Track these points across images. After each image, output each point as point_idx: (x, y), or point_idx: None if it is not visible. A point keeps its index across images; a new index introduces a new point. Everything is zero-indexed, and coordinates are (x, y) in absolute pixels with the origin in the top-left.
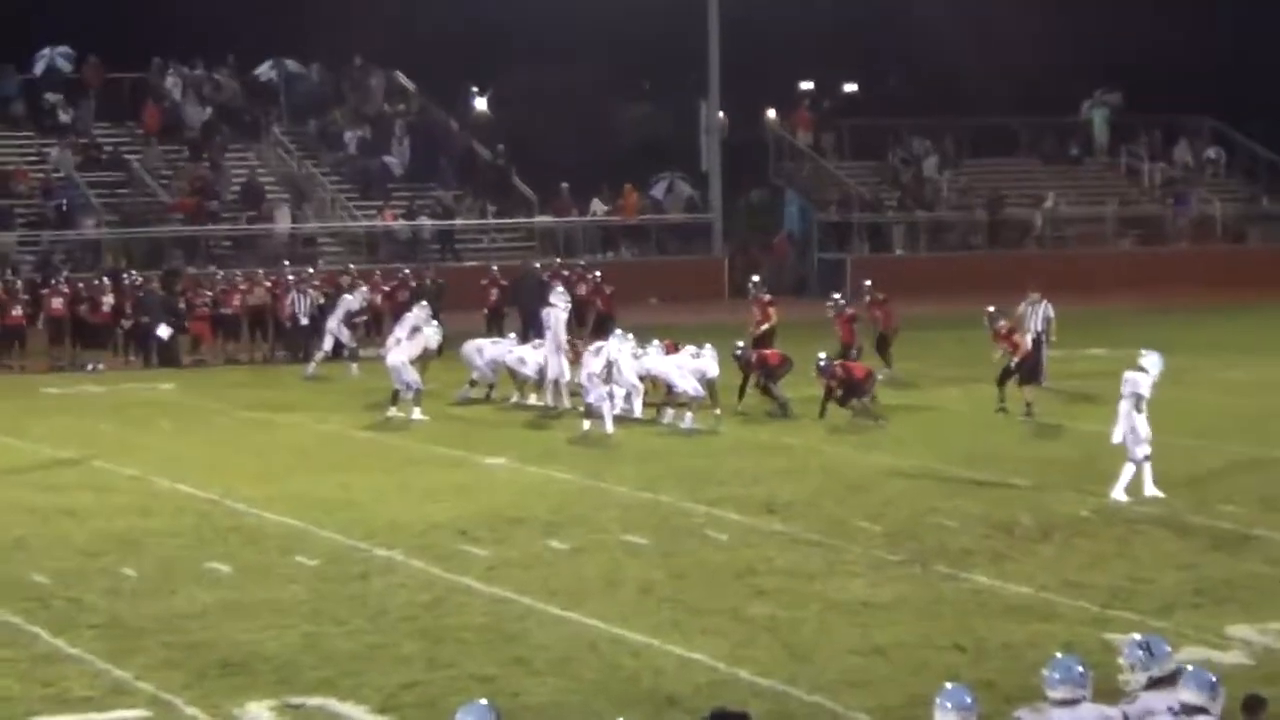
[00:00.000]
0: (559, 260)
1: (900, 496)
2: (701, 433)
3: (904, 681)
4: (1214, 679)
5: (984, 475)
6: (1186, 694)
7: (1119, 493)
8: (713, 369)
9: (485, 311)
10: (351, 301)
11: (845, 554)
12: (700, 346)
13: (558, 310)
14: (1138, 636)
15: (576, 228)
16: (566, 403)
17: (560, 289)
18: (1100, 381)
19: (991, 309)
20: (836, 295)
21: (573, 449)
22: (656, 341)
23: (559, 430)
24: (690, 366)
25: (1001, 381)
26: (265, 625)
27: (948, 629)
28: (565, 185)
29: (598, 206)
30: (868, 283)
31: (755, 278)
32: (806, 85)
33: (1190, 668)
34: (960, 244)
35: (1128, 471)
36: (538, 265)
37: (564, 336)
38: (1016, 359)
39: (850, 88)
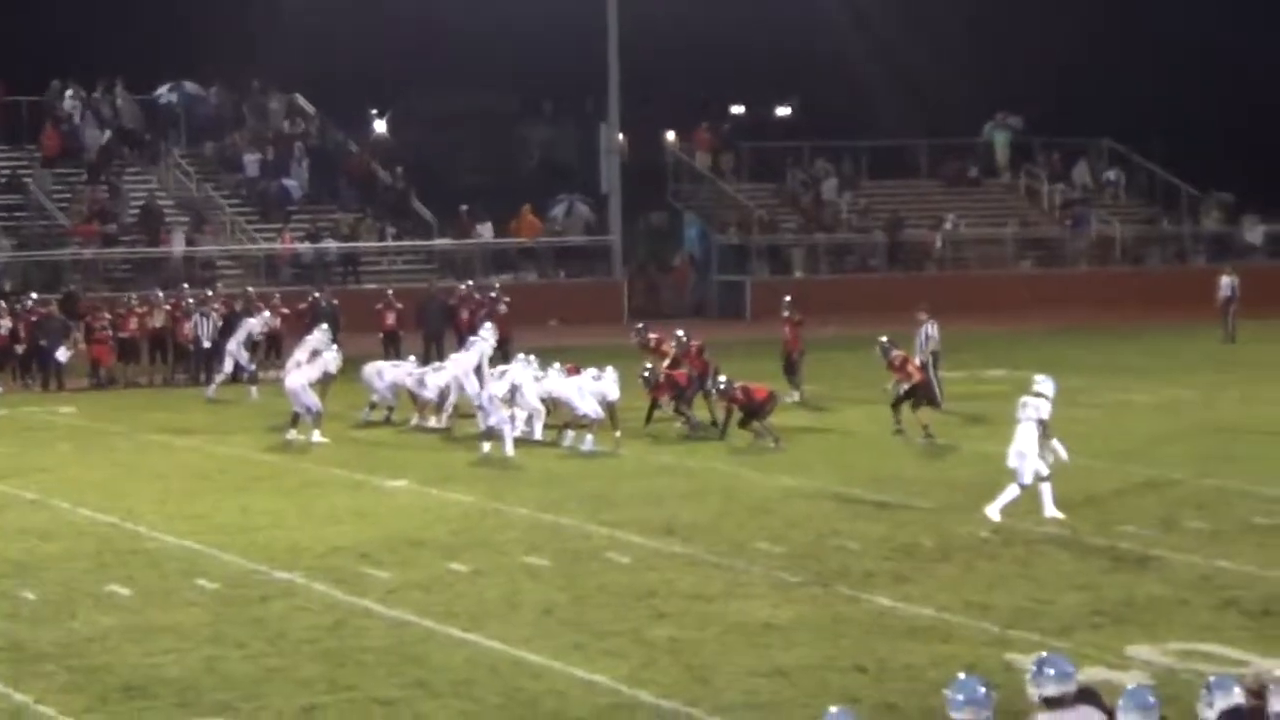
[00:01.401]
0: (469, 284)
1: (802, 518)
2: (602, 455)
3: (805, 703)
4: (1153, 701)
5: (885, 497)
6: (1125, 716)
7: (994, 511)
8: (614, 392)
9: (381, 335)
10: (253, 324)
11: (746, 576)
12: (601, 369)
13: (484, 344)
14: (1043, 654)
15: (475, 250)
16: (444, 421)
17: (489, 324)
18: (1000, 403)
19: (884, 339)
20: (680, 332)
21: (473, 471)
22: (557, 364)
23: (459, 453)
24: (591, 389)
25: (896, 405)
26: (166, 649)
27: (849, 650)
28: (464, 208)
29: (484, 231)
30: (787, 298)
31: (639, 325)
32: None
33: (1131, 686)
34: (860, 266)
35: (1009, 492)
36: (466, 287)
37: (485, 366)
38: (907, 388)
39: (749, 110)
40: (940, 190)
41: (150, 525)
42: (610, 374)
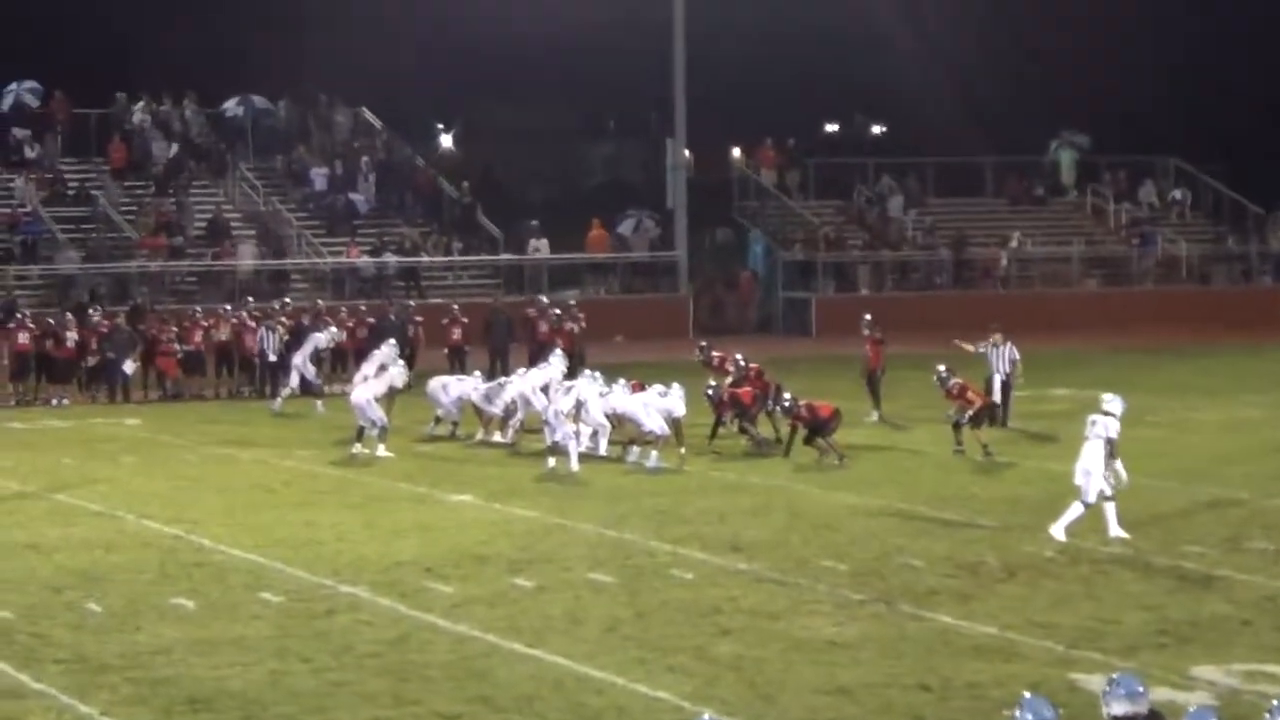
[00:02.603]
0: (543, 299)
1: (866, 536)
2: (667, 471)
3: None
4: None
5: (949, 515)
6: None
7: (1058, 529)
8: (679, 408)
9: (446, 350)
10: (320, 338)
11: (810, 593)
12: (667, 385)
13: (554, 370)
14: (1115, 674)
15: (542, 265)
16: (509, 437)
17: (558, 351)
18: (1065, 422)
19: (942, 368)
20: (739, 356)
21: (538, 487)
22: (622, 380)
23: (524, 468)
24: (657, 405)
25: (957, 425)
26: (230, 662)
27: (913, 668)
28: (535, 223)
29: (541, 247)
30: (867, 317)
31: (703, 343)
32: (776, 128)
33: (1194, 708)
34: (925, 283)
35: (1074, 511)
36: (542, 300)
37: (552, 384)
38: (970, 413)
39: (818, 127)
40: (1006, 208)
41: (215, 538)
42: (676, 390)
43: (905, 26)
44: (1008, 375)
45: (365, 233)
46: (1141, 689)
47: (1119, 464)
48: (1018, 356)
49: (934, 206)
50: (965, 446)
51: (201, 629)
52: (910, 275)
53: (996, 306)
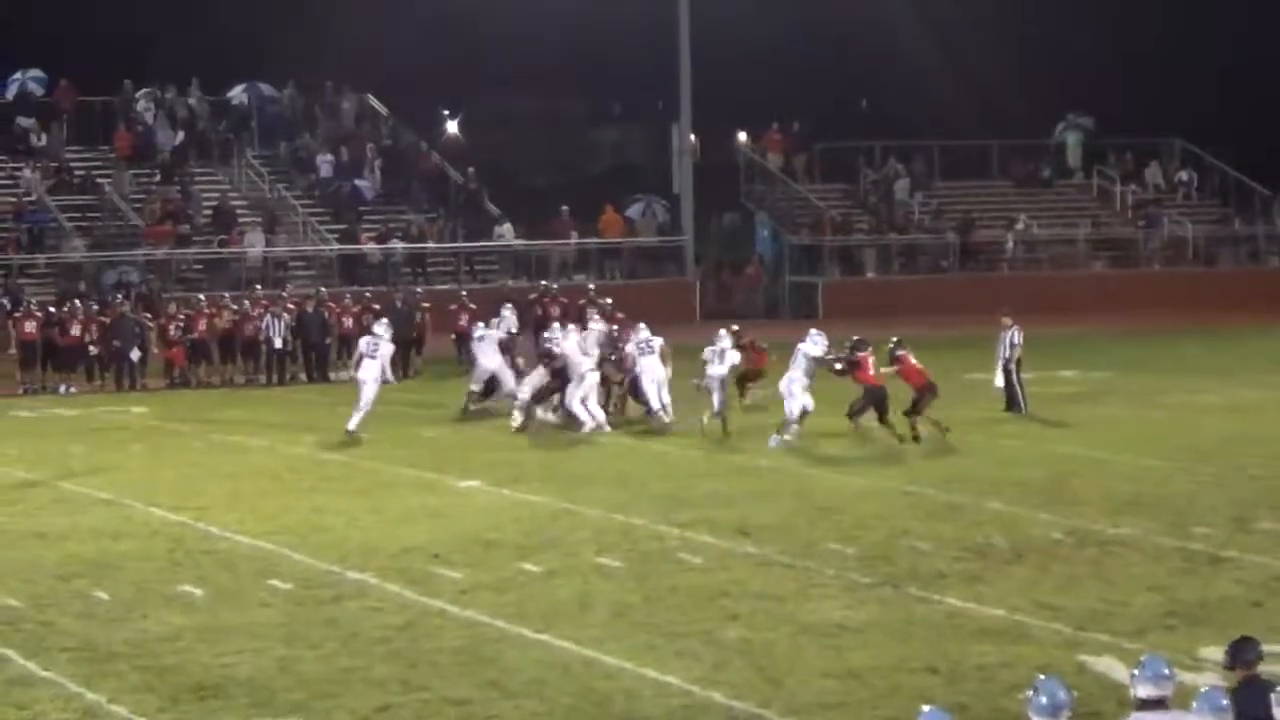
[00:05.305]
0: (554, 286)
1: (873, 519)
2: (689, 453)
3: (877, 704)
4: (1226, 703)
5: (957, 497)
6: (1199, 718)
7: None
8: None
9: (453, 336)
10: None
11: (818, 576)
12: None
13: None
14: (1144, 656)
15: (550, 251)
16: (552, 417)
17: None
18: (1073, 404)
19: (895, 339)
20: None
21: (545, 471)
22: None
23: (531, 453)
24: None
25: (908, 412)
26: (239, 649)
27: (921, 651)
28: (565, 208)
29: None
30: (735, 328)
31: (735, 326)
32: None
33: (1204, 689)
34: (932, 266)
35: None
36: (545, 285)
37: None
38: (913, 386)
39: (824, 111)
40: (1012, 191)
41: (222, 525)
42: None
43: (910, 10)
44: (1007, 360)
45: (371, 220)
46: (1168, 672)
47: None
48: (1019, 341)
49: (940, 189)
50: (950, 427)
51: (209, 616)
52: (917, 258)
53: (1002, 289)
